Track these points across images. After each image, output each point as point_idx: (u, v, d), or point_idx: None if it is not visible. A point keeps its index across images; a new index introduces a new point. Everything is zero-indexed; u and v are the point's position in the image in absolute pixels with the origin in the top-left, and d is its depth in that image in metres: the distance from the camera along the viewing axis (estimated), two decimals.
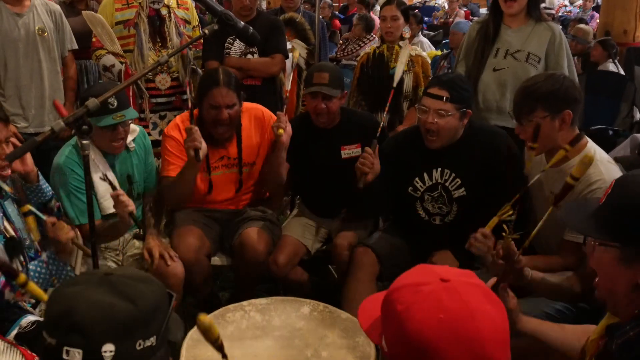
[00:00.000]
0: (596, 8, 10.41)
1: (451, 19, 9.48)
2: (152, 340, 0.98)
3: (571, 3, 13.90)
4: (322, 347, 1.95)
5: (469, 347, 0.93)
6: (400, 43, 3.57)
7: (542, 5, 3.39)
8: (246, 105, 2.80)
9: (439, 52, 6.56)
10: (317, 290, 2.72)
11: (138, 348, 0.96)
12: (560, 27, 3.16)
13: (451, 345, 0.93)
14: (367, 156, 2.42)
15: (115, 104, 2.38)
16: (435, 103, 2.36)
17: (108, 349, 0.93)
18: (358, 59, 3.90)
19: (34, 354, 1.85)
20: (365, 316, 1.11)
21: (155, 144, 2.99)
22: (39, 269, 2.05)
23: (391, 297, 1.02)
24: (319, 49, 4.04)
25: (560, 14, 12.41)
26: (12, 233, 2.10)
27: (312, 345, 1.97)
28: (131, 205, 2.30)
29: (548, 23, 3.08)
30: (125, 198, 2.28)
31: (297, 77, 3.97)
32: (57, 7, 3.30)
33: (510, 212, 2.03)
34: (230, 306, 2.15)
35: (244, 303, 2.15)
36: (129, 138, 2.63)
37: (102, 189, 2.51)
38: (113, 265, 2.61)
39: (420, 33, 6.87)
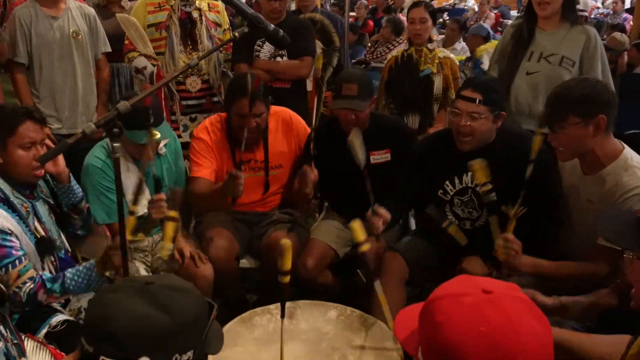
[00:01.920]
0: (630, 10, 10.19)
1: (481, 22, 9.38)
2: (188, 354, 0.97)
3: (602, 4, 13.63)
4: (350, 352, 1.94)
5: None
6: (429, 45, 3.54)
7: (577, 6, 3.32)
8: (274, 108, 2.81)
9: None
10: (344, 295, 2.70)
11: None
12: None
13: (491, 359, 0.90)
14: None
15: (152, 120, 2.38)
16: (469, 105, 2.32)
17: None
18: (385, 61, 3.88)
19: (63, 353, 1.88)
20: (401, 327, 1.08)
21: (185, 146, 3.01)
22: (76, 277, 2.07)
23: (431, 307, 0.99)
24: (343, 51, 3.95)
25: (593, 15, 12.19)
26: (43, 233, 2.13)
27: (339, 350, 1.96)
28: (165, 212, 2.30)
29: (583, 26, 3.01)
30: (163, 204, 2.29)
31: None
32: (92, 10, 3.35)
33: (524, 210, 2.10)
34: (258, 309, 2.15)
35: (271, 306, 2.15)
36: (160, 144, 2.66)
37: (131, 192, 2.53)
38: (142, 266, 2.64)
39: (461, 39, 6.72)
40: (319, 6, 4.45)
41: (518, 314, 0.93)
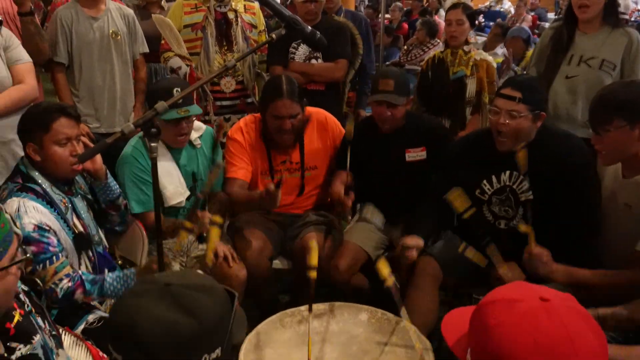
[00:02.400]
0: None
1: (518, 24, 9.24)
2: (217, 352, 0.97)
3: None
4: (381, 355, 1.92)
5: None
6: (465, 48, 3.50)
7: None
8: (309, 109, 2.81)
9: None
10: (376, 297, 2.68)
11: None
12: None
13: None
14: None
15: (181, 100, 2.43)
16: (508, 104, 2.29)
17: None
18: (421, 63, 3.85)
19: (99, 349, 1.90)
20: (450, 331, 1.06)
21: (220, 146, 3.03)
22: (115, 283, 2.09)
23: (483, 310, 0.97)
24: (369, 52, 3.90)
25: (633, 18, 11.90)
26: (81, 229, 2.17)
27: (370, 353, 1.95)
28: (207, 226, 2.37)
29: (625, 29, 2.95)
30: (207, 221, 2.38)
31: None
32: (130, 11, 3.40)
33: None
34: (288, 311, 2.15)
35: (302, 308, 2.15)
36: (195, 135, 2.70)
37: (166, 181, 2.57)
38: (177, 266, 2.66)
39: (503, 44, 6.59)
40: (353, 8, 4.42)
41: (575, 325, 0.91)
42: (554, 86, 2.98)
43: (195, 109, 2.58)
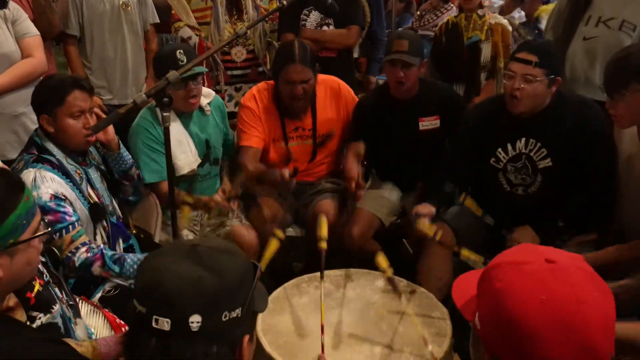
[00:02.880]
0: None
1: None
2: (237, 312, 1.00)
3: None
4: (397, 321, 1.94)
5: (572, 334, 0.86)
6: (479, 11, 3.43)
7: None
8: (322, 77, 2.79)
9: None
10: (390, 264, 2.70)
11: (224, 319, 0.98)
12: None
13: (552, 330, 0.87)
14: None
15: (185, 60, 2.43)
16: (524, 68, 2.25)
17: (195, 319, 0.96)
18: (435, 29, 3.78)
19: (116, 316, 1.94)
20: (459, 293, 1.06)
21: (231, 115, 3.03)
22: (135, 266, 2.09)
23: (490, 273, 0.97)
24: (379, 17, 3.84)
25: None
26: (96, 199, 2.19)
27: (386, 319, 1.96)
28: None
29: None
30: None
31: None
32: None
33: None
34: (305, 277, 2.17)
35: (318, 274, 2.16)
36: (205, 101, 2.69)
37: (177, 150, 2.58)
38: (191, 234, 2.69)
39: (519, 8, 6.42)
40: None
41: (581, 285, 0.90)
42: (571, 48, 2.91)
43: (200, 67, 2.56)
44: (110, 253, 2.08)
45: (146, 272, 1.01)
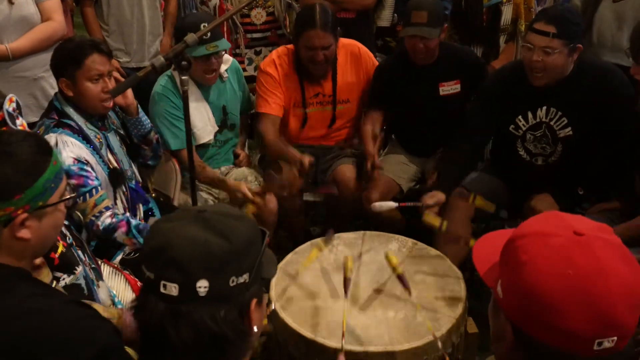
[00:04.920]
0: None
1: None
2: (245, 277, 1.00)
3: None
4: (412, 285, 1.94)
5: (595, 308, 0.85)
6: None
7: None
8: (342, 41, 2.75)
9: None
10: (409, 230, 2.70)
11: (231, 284, 0.98)
12: None
13: (576, 304, 0.86)
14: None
15: (209, 35, 2.41)
16: (542, 40, 2.19)
17: (202, 284, 0.96)
18: None
19: (136, 279, 1.97)
20: (481, 259, 1.04)
21: (251, 79, 3.01)
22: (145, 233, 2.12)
23: (515, 244, 0.95)
24: None
25: None
26: (115, 164, 2.20)
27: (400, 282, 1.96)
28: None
29: None
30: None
31: None
32: None
33: None
34: (320, 239, 2.18)
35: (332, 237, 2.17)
36: (223, 67, 2.69)
37: (196, 119, 2.59)
38: (209, 198, 2.71)
39: None
40: None
41: (608, 258, 0.88)
42: (599, 11, 2.83)
43: (224, 43, 2.57)
44: (135, 222, 2.10)
45: (153, 238, 1.01)
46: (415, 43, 2.55)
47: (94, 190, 2.03)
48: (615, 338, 0.87)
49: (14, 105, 1.64)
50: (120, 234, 2.07)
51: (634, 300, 0.88)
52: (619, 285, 0.87)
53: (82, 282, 1.65)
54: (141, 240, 2.08)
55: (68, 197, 1.35)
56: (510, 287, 0.93)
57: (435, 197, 2.38)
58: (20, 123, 1.64)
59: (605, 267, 0.87)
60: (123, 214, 2.10)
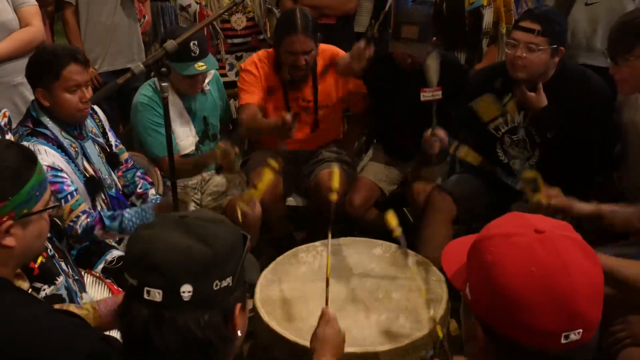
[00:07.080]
0: None
1: None
2: (228, 281, 1.00)
3: None
4: (394, 289, 1.96)
5: (560, 303, 0.88)
6: None
7: None
8: (321, 46, 2.76)
9: None
10: (391, 233, 2.72)
11: (215, 288, 0.99)
12: None
13: (541, 300, 0.88)
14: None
15: (198, 52, 2.45)
16: (526, 36, 2.21)
17: (186, 289, 0.96)
18: None
19: (119, 288, 1.96)
20: (449, 261, 1.07)
21: (232, 85, 3.01)
22: (134, 218, 2.12)
23: (480, 245, 0.98)
24: None
25: None
26: (92, 173, 2.18)
27: (383, 287, 1.98)
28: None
29: None
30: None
31: None
32: None
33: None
34: (303, 246, 2.19)
35: (317, 243, 2.18)
36: (206, 80, 2.69)
37: (178, 130, 2.59)
38: (191, 204, 2.70)
39: None
40: None
41: (570, 254, 0.92)
42: (573, 14, 2.86)
43: (212, 62, 2.60)
44: (107, 213, 2.12)
45: (135, 244, 1.01)
46: (404, 56, 2.56)
47: (69, 196, 2.02)
48: (581, 330, 0.90)
49: (5, 120, 1.64)
50: (98, 231, 2.08)
51: (595, 293, 0.91)
52: (581, 279, 0.90)
53: (63, 292, 1.64)
54: (117, 226, 2.09)
55: (52, 205, 1.35)
56: (478, 287, 0.96)
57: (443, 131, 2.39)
58: (9, 138, 1.64)
59: (567, 262, 0.90)
60: (95, 211, 2.10)
